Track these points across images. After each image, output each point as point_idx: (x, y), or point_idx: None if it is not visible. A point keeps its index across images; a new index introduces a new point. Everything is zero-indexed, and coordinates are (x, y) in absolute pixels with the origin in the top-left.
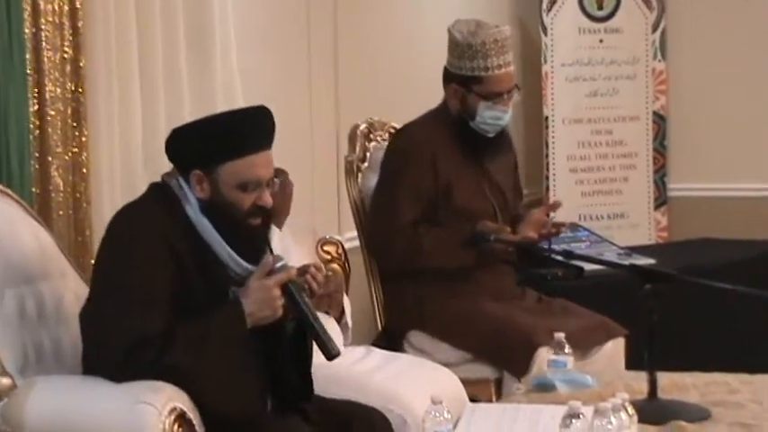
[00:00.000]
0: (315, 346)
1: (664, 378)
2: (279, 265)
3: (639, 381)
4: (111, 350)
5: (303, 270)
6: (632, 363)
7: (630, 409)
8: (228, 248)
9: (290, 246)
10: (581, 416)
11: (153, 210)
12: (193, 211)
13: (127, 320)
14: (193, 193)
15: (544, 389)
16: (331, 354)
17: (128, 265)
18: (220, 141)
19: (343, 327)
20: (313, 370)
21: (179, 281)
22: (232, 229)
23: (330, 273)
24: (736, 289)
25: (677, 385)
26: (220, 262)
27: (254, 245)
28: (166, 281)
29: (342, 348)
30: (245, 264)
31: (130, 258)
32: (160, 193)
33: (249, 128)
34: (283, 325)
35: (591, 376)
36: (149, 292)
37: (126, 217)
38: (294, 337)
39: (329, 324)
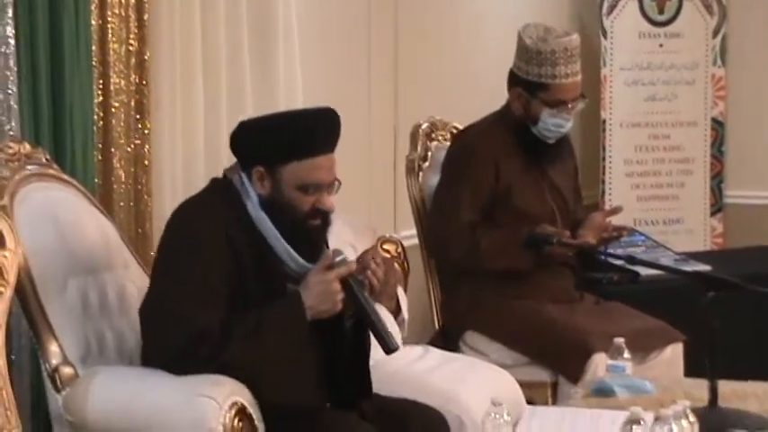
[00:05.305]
0: (373, 343)
1: (724, 386)
2: (339, 259)
3: (699, 388)
4: (169, 346)
5: (362, 264)
6: (690, 369)
7: (691, 417)
8: (286, 245)
9: (352, 243)
10: (641, 422)
11: (214, 205)
12: (253, 206)
13: (186, 315)
14: (254, 188)
15: (603, 393)
16: (390, 348)
17: (188, 260)
18: (287, 140)
19: (400, 322)
20: (371, 367)
21: (237, 276)
22: (290, 228)
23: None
24: None
25: (737, 394)
26: (278, 258)
27: (311, 243)
28: (225, 276)
29: (400, 344)
30: (302, 261)
31: (191, 253)
32: (221, 188)
33: (316, 130)
34: (342, 321)
35: (650, 382)
36: (208, 287)
37: (187, 211)
38: (353, 334)
39: (388, 320)
